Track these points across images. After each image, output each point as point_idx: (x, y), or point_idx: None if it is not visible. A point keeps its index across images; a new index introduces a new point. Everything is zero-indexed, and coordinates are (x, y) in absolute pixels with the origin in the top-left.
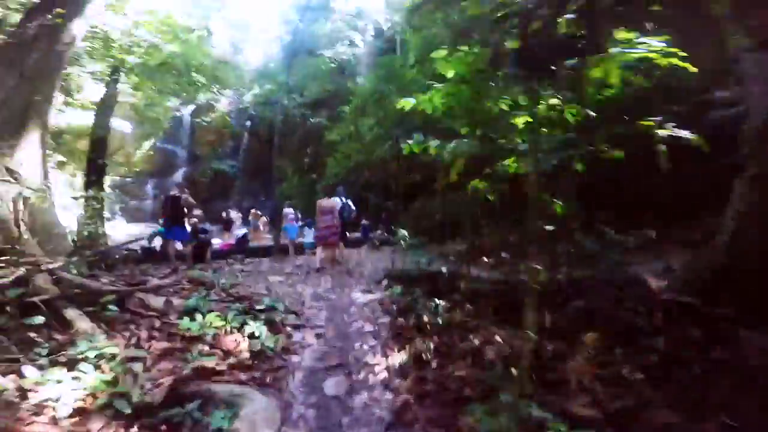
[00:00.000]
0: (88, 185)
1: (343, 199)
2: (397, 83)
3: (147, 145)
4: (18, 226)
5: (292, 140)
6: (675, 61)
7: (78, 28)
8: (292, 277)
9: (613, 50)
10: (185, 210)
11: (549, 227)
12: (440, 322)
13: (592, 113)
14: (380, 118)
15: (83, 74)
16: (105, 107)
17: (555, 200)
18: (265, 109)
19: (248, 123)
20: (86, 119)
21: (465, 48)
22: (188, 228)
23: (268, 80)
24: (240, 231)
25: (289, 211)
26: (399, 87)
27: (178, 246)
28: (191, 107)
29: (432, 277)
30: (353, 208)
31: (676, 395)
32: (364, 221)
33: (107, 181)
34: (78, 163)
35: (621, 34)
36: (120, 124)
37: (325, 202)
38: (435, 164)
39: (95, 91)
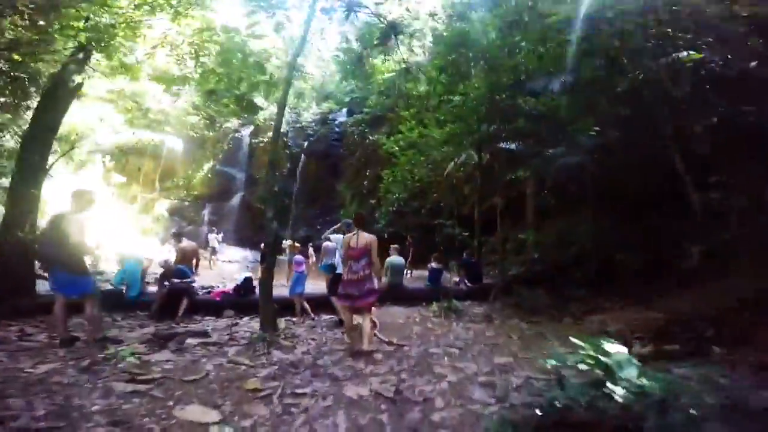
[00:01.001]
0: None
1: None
2: (476, 53)
3: (206, 167)
4: None
5: (351, 161)
6: None
7: None
8: (249, 409)
9: None
10: (77, 240)
11: None
12: None
13: None
14: (455, 111)
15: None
16: (57, 99)
17: None
18: (322, 128)
19: (305, 143)
20: (148, 137)
21: None
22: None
23: (325, 97)
24: (243, 274)
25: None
26: (485, 58)
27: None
28: (250, 128)
29: None
30: None
31: None
32: (433, 264)
33: (165, 204)
34: (139, 183)
35: None
36: (173, 142)
37: (354, 240)
38: (524, 183)
39: (156, 111)
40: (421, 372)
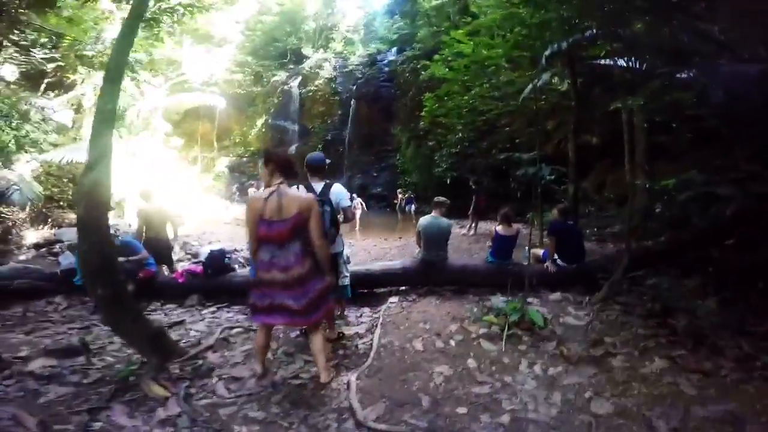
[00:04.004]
0: None
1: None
2: None
3: (260, 122)
4: None
5: (404, 102)
6: None
7: None
8: None
9: None
10: None
11: None
12: None
13: None
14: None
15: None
16: None
17: None
18: (371, 69)
19: (353, 87)
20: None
21: None
22: None
23: (372, 36)
24: (205, 247)
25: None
26: None
27: None
28: (298, 79)
29: None
30: (349, 203)
31: None
32: (499, 228)
33: (224, 161)
34: (198, 146)
35: None
36: (215, 100)
37: (273, 203)
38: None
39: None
40: None
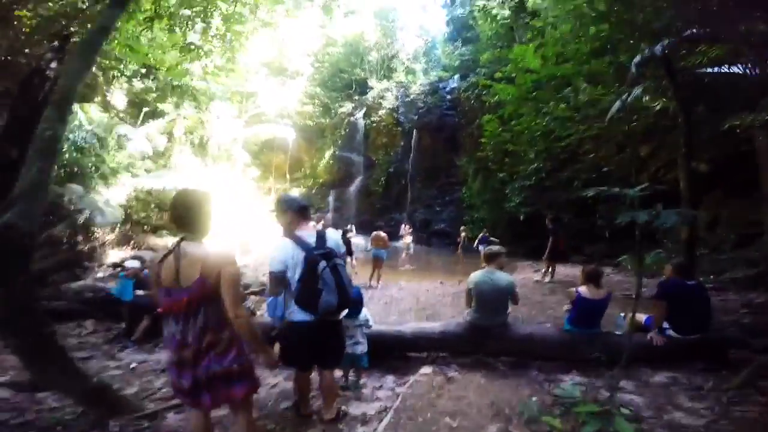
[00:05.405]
0: None
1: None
2: None
3: (328, 154)
4: None
5: (470, 131)
6: None
7: None
8: None
9: None
10: None
11: None
12: None
13: None
14: None
15: None
16: (33, 89)
17: None
18: (433, 97)
19: (416, 117)
20: (263, 131)
21: None
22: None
23: (434, 64)
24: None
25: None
26: None
27: None
28: (363, 110)
29: None
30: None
31: None
32: (582, 290)
33: (295, 193)
34: (273, 176)
35: None
36: (285, 132)
37: (170, 265)
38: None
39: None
40: None
